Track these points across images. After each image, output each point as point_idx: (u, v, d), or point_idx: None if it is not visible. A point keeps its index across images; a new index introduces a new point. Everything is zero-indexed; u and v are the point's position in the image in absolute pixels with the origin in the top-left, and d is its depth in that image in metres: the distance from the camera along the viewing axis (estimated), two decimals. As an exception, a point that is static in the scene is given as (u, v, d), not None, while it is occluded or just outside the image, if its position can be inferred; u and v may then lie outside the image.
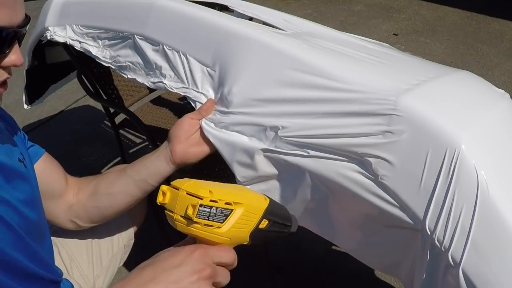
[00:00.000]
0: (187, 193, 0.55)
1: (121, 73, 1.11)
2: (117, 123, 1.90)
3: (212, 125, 0.90)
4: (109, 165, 2.34)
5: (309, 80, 0.83)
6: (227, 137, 0.88)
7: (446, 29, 3.10)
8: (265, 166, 0.86)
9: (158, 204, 0.58)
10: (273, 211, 0.63)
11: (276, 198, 0.89)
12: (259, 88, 0.88)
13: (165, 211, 0.58)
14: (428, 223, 0.71)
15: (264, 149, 0.85)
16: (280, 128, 0.84)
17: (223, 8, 1.29)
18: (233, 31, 0.95)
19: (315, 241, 1.83)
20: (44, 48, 1.52)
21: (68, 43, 1.21)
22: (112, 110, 1.86)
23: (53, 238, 0.95)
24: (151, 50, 1.04)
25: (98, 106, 2.58)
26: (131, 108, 1.79)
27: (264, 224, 0.61)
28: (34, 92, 1.71)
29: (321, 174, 0.81)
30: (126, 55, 1.09)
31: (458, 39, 2.96)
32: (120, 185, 0.91)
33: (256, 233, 0.61)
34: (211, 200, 0.54)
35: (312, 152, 0.81)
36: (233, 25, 0.96)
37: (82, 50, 1.19)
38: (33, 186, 0.78)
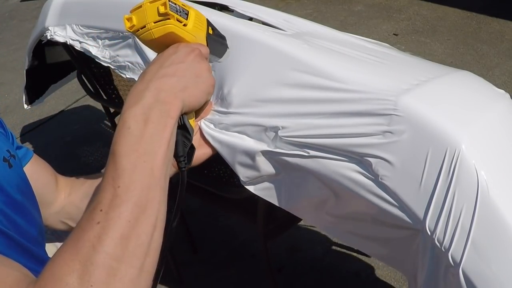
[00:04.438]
0: (150, 3, 0.60)
1: (120, 73, 1.11)
2: (117, 123, 1.91)
3: (212, 126, 0.90)
4: (109, 165, 2.33)
5: (309, 80, 0.83)
6: (227, 139, 0.87)
7: (446, 29, 3.10)
8: (267, 167, 0.86)
9: (128, 31, 0.61)
10: (211, 24, 0.69)
11: (280, 196, 0.90)
12: (259, 88, 0.88)
13: (137, 35, 0.61)
14: (428, 223, 0.71)
15: (265, 150, 0.85)
16: (280, 128, 0.84)
17: (223, 8, 1.29)
18: (233, 31, 0.95)
19: (315, 242, 1.83)
20: (44, 48, 1.52)
21: (68, 43, 1.21)
22: (112, 110, 1.86)
23: (57, 244, 0.94)
24: (151, 50, 1.03)
25: (98, 106, 2.58)
26: (131, 108, 1.79)
27: (211, 31, 0.68)
28: (34, 92, 1.71)
29: (321, 174, 0.81)
30: (126, 55, 1.09)
31: (458, 39, 2.96)
32: None
33: (209, 38, 0.67)
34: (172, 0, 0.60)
35: (312, 152, 0.81)
36: (233, 25, 0.96)
37: (82, 50, 1.19)
38: (15, 191, 0.73)
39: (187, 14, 0.62)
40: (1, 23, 4.84)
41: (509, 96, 0.89)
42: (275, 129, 0.84)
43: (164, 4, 0.58)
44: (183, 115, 0.60)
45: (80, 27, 1.18)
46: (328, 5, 3.72)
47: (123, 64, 1.09)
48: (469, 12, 3.24)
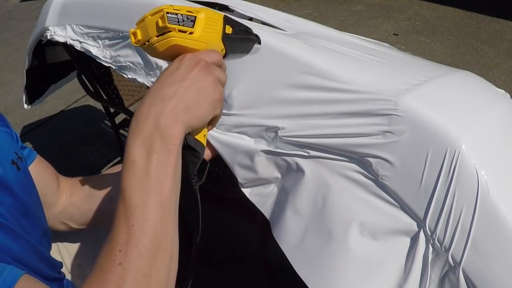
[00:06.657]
0: (151, 15, 0.58)
1: (121, 73, 1.11)
2: (117, 123, 1.91)
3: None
4: (109, 165, 2.34)
5: (310, 81, 0.83)
6: (227, 140, 0.88)
7: (446, 29, 3.10)
8: (265, 168, 0.86)
9: (135, 45, 0.59)
10: (231, 20, 0.66)
11: (275, 201, 0.89)
12: (260, 89, 0.88)
13: (143, 49, 0.59)
14: (428, 223, 0.71)
15: (265, 150, 0.85)
16: (280, 128, 0.84)
17: (223, 8, 1.29)
18: (233, 31, 0.95)
19: (315, 241, 1.83)
20: (44, 48, 1.52)
21: (68, 43, 1.21)
22: (112, 110, 1.86)
23: (59, 244, 0.94)
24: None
25: (98, 106, 2.58)
26: (131, 108, 1.80)
27: (229, 30, 0.64)
28: (34, 92, 1.71)
29: (321, 175, 0.81)
30: (127, 55, 1.09)
31: (458, 39, 2.95)
32: (118, 189, 0.88)
33: (227, 39, 0.64)
34: (173, 9, 0.57)
35: (312, 152, 0.81)
36: (233, 25, 0.96)
37: (82, 50, 1.19)
38: (23, 193, 0.74)
39: (193, 21, 0.58)
40: (1, 23, 4.84)
41: (509, 96, 0.89)
42: (275, 129, 0.84)
43: (162, 18, 0.56)
44: (187, 135, 0.57)
45: (80, 27, 1.18)
46: (328, 5, 3.72)
47: (124, 64, 1.09)
48: (469, 12, 3.23)
